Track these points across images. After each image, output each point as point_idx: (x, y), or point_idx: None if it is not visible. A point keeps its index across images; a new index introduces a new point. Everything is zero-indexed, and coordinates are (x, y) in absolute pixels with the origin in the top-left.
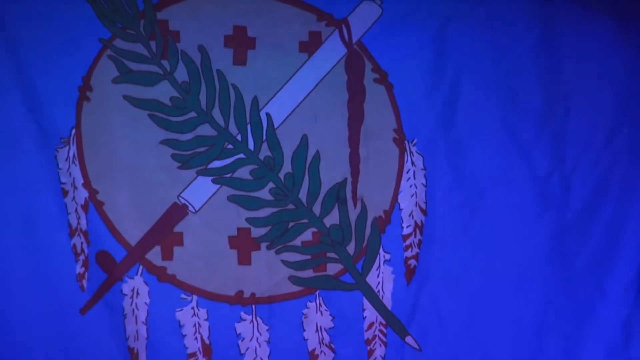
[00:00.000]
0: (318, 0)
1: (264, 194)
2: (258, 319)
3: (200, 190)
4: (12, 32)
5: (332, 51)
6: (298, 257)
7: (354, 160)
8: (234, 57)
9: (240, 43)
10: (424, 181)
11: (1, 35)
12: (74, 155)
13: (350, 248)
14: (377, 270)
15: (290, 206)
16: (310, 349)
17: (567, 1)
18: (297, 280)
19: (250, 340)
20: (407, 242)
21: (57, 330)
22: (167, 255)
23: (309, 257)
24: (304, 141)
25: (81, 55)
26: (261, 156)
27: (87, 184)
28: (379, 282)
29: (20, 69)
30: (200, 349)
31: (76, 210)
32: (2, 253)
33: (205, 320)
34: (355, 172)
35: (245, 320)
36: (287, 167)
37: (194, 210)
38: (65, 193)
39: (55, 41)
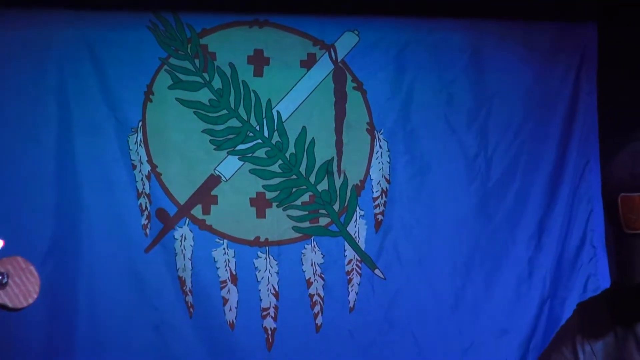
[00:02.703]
0: (314, 31)
1: (275, 168)
2: (270, 256)
3: (230, 165)
4: (98, 54)
5: (323, 67)
6: (299, 212)
7: (339, 145)
8: (254, 71)
9: (259, 61)
10: (388, 159)
11: (90, 56)
12: (140, 140)
13: (336, 206)
14: (354, 222)
15: (294, 177)
16: (306, 278)
17: (489, 33)
18: (298, 229)
19: (265, 271)
20: (376, 203)
21: (129, 264)
22: (206, 211)
23: (306, 212)
24: (304, 131)
25: (146, 69)
26: (273, 141)
27: (149, 161)
28: (356, 231)
29: (103, 79)
30: (229, 278)
31: (142, 179)
32: (91, 210)
33: (233, 257)
34: (339, 152)
35: (261, 257)
36: (291, 149)
37: (225, 180)
38: (134, 167)
39: (128, 59)
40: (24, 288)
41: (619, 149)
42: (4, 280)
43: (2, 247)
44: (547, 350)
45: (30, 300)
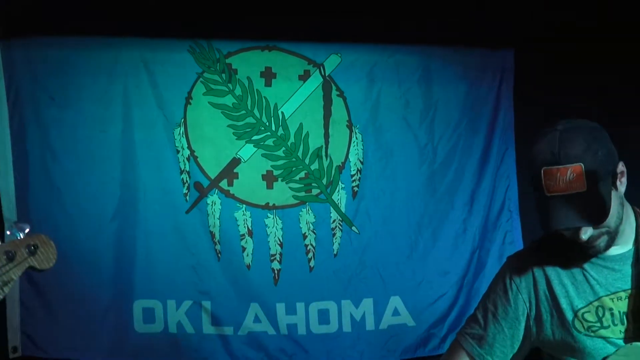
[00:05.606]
0: (308, 53)
1: (280, 153)
2: (276, 217)
3: (247, 151)
4: (151, 69)
5: (315, 80)
6: (297, 185)
7: (326, 136)
8: (265, 83)
9: (268, 75)
10: (362, 147)
11: (146, 71)
12: (182, 132)
13: (324, 181)
14: (337, 192)
15: (293, 159)
16: (303, 233)
17: (435, 56)
18: (296, 197)
19: (272, 227)
20: (353, 179)
21: (174, 222)
22: (230, 183)
23: (303, 185)
24: (301, 126)
25: (187, 81)
26: (278, 134)
27: (189, 147)
28: (338, 199)
29: (155, 87)
30: (247, 232)
31: (183, 161)
32: (146, 183)
33: (250, 217)
34: (326, 142)
35: (270, 217)
36: (291, 140)
37: (244, 161)
38: (177, 152)
39: (173, 73)
40: (47, 256)
41: (540, 137)
42: (35, 250)
43: (29, 230)
44: (486, 292)
45: (52, 264)
